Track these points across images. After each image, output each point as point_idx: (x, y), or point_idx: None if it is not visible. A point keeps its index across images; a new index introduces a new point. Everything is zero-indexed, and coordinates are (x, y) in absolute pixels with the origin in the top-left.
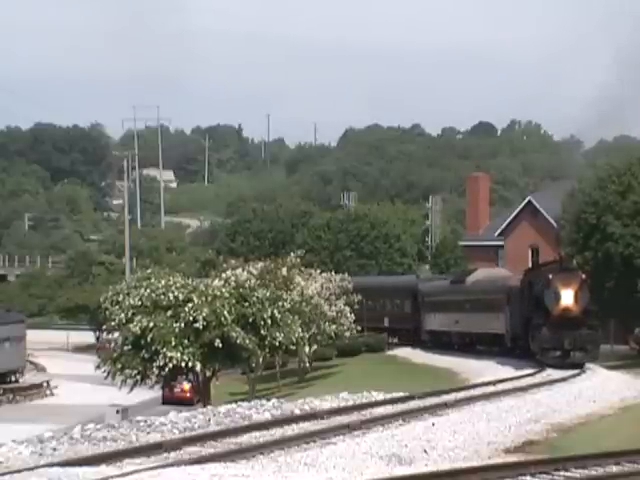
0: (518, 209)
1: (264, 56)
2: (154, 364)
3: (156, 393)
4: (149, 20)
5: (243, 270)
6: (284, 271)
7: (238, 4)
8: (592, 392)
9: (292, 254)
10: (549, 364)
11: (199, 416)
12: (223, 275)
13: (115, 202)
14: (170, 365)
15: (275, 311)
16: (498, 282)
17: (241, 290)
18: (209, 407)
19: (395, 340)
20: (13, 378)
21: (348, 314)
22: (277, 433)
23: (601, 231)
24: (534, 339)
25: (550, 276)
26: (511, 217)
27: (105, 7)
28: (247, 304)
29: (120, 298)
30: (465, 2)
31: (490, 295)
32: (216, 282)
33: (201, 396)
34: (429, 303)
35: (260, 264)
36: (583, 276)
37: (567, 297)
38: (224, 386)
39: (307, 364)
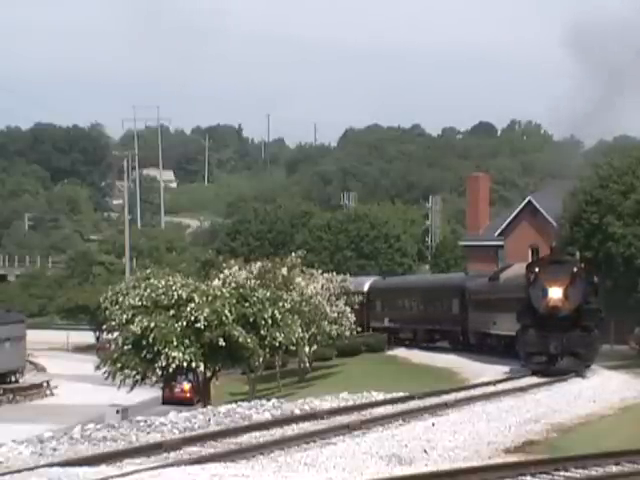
0: (518, 209)
1: (264, 56)
2: (156, 364)
3: (156, 393)
4: (149, 21)
5: (240, 269)
6: (284, 271)
7: (238, 4)
8: (592, 392)
9: (292, 254)
10: (534, 371)
11: (199, 416)
12: (221, 275)
13: (115, 202)
14: (173, 365)
15: (275, 311)
16: (521, 278)
17: (241, 290)
18: (209, 407)
19: (445, 344)
20: (13, 378)
21: (349, 314)
22: (277, 433)
23: (603, 231)
24: (519, 342)
25: (536, 269)
26: (511, 217)
27: (104, 7)
28: (247, 304)
29: (120, 298)
30: (466, 3)
31: (514, 293)
32: (215, 282)
33: (201, 396)
34: (474, 302)
35: (258, 264)
36: (575, 269)
37: (555, 293)
38: (224, 386)
39: (307, 364)
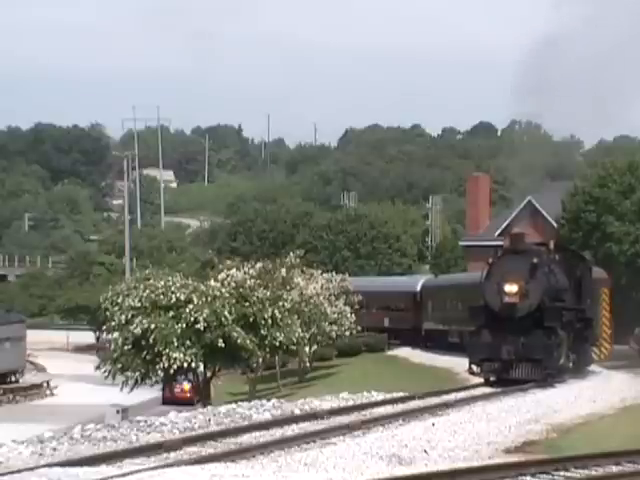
0: (518, 209)
1: (265, 57)
2: (157, 365)
3: (156, 393)
4: (149, 21)
5: (238, 270)
6: (283, 271)
7: (238, 5)
8: (592, 392)
9: (291, 254)
10: (486, 379)
11: (199, 416)
12: (219, 277)
13: (115, 202)
14: (175, 366)
15: (275, 311)
16: None
17: (241, 290)
18: (209, 407)
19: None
20: (13, 378)
21: (348, 314)
22: (277, 433)
23: (601, 230)
24: (469, 345)
25: (490, 260)
26: (511, 217)
27: (104, 8)
28: (247, 304)
29: (119, 299)
30: (466, 4)
31: None
32: (212, 283)
33: (201, 396)
34: None
35: (258, 265)
36: (535, 260)
37: (510, 289)
38: (224, 386)
39: (307, 364)
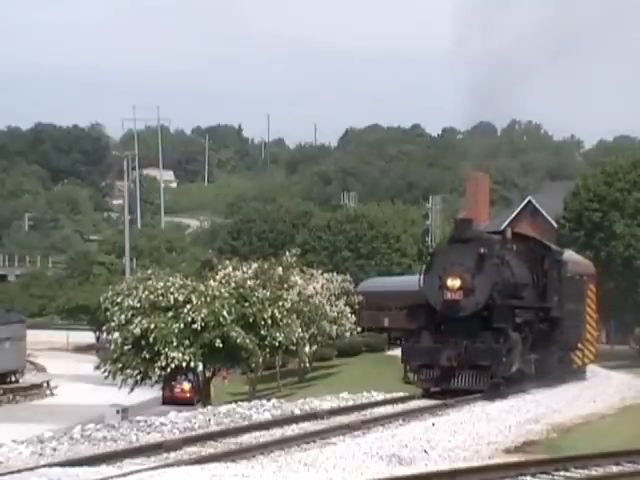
0: (518, 209)
1: (265, 57)
2: (156, 364)
3: (156, 393)
4: (149, 21)
5: (234, 270)
6: (280, 271)
7: (239, 5)
8: (592, 392)
9: (287, 253)
10: (424, 390)
11: (199, 416)
12: (217, 276)
13: (115, 202)
14: (172, 365)
15: (275, 311)
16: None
17: (241, 290)
18: (209, 407)
19: None
20: (13, 378)
21: (349, 315)
22: (277, 433)
23: (605, 229)
24: (404, 349)
25: (431, 250)
26: (511, 217)
27: (105, 7)
28: (247, 304)
29: (119, 299)
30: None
31: None
32: (211, 283)
33: (201, 396)
34: None
35: (254, 265)
36: (482, 250)
37: (452, 283)
38: (224, 386)
39: (307, 364)
